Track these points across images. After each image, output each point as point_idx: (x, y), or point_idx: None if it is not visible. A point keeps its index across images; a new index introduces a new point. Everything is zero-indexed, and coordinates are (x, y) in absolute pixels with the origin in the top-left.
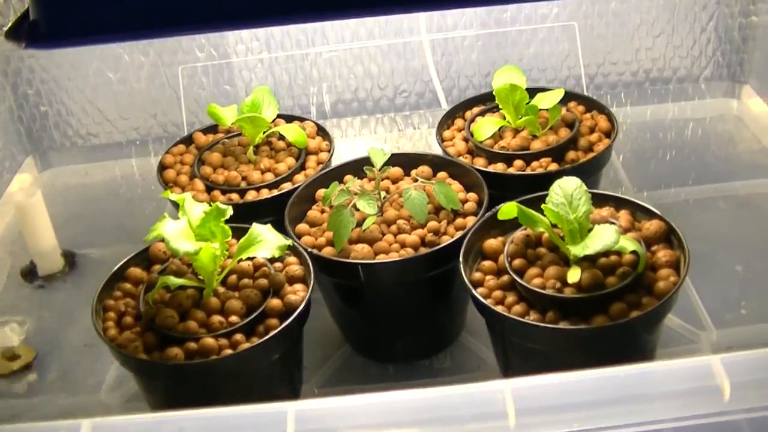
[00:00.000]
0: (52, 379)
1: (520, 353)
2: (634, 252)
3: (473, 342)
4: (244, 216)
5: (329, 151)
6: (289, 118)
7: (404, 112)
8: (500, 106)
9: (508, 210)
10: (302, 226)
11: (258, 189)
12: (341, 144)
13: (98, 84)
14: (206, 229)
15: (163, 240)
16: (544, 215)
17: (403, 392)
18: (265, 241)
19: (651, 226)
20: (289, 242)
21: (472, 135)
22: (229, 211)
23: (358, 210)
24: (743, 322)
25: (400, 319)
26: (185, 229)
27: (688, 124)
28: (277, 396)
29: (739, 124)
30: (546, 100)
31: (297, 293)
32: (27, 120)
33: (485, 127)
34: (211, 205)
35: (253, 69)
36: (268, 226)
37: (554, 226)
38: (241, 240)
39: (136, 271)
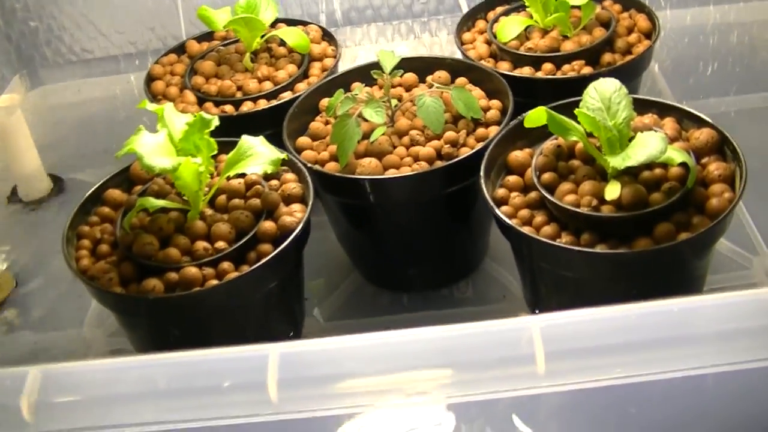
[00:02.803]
0: (32, 312)
1: (551, 281)
2: (682, 164)
3: (497, 269)
4: (240, 130)
5: (335, 57)
6: (291, 23)
7: (422, 18)
8: (527, 4)
9: (536, 116)
10: (303, 140)
11: (255, 99)
12: (354, 54)
13: None
14: (190, 142)
15: None
16: (578, 122)
17: (408, 331)
18: (257, 155)
19: (701, 135)
20: (284, 156)
21: (495, 36)
22: (215, 122)
23: (365, 120)
24: None
25: (414, 243)
26: (164, 143)
27: (732, 29)
28: (276, 331)
29: None
30: None
31: (293, 214)
32: (15, 37)
33: (510, 26)
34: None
35: None
36: (261, 138)
37: (589, 135)
38: (230, 154)
39: (115, 193)
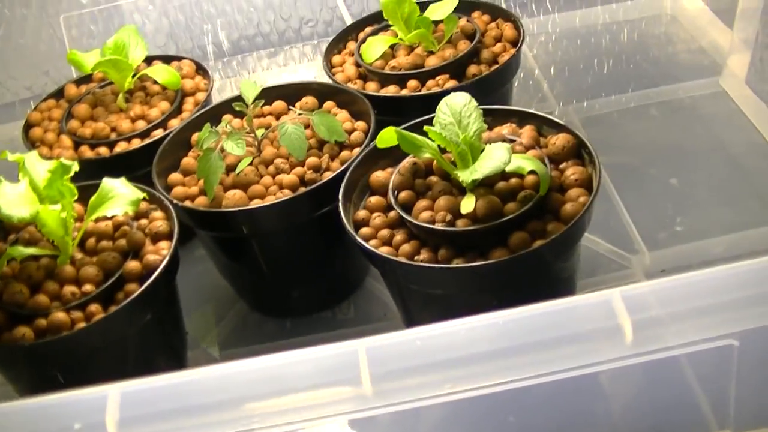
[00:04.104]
0: None
1: (418, 298)
2: (534, 172)
3: (379, 288)
4: (116, 171)
5: (207, 90)
6: (167, 59)
7: (313, 41)
8: (390, 22)
9: (387, 137)
10: (175, 176)
11: (129, 139)
12: None
13: None
14: (54, 189)
15: None
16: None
17: (239, 363)
18: (118, 196)
19: (557, 140)
20: (143, 195)
21: (362, 57)
22: (75, 167)
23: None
24: (679, 240)
25: (292, 269)
26: (25, 192)
27: (622, 28)
28: (158, 366)
29: (675, 25)
30: (439, 11)
31: (160, 252)
32: None
33: (374, 46)
34: None
35: (144, 11)
36: (122, 179)
37: (444, 151)
38: (92, 198)
39: None
